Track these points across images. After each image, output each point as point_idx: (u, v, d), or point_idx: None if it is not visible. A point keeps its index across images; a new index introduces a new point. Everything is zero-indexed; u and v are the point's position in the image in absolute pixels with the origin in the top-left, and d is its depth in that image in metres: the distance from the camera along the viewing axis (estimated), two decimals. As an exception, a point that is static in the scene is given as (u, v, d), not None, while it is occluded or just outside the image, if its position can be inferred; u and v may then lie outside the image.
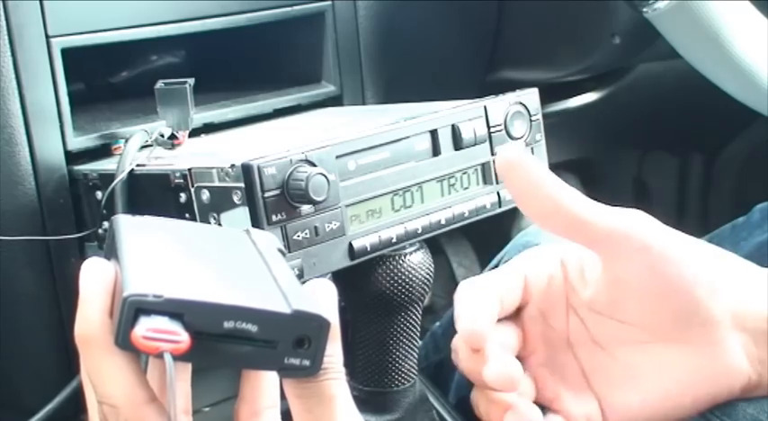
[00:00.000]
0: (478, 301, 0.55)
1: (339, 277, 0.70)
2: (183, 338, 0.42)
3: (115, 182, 0.70)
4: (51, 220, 0.76)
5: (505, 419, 0.54)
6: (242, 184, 0.62)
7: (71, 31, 0.77)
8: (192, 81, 0.73)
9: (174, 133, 0.74)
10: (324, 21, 0.91)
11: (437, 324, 0.97)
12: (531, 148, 0.75)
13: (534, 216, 0.55)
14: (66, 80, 0.76)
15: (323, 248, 0.64)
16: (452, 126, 0.71)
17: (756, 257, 0.59)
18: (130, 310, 0.42)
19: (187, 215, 0.66)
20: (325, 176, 0.63)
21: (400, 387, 0.75)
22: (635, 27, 1.00)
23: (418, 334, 0.75)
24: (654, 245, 0.53)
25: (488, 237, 1.23)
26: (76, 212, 0.77)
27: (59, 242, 0.77)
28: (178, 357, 0.42)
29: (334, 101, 0.93)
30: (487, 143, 0.73)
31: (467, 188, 0.72)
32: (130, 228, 0.51)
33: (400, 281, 0.71)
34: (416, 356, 0.76)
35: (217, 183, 0.64)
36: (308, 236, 0.63)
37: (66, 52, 0.76)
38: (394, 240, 0.68)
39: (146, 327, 0.41)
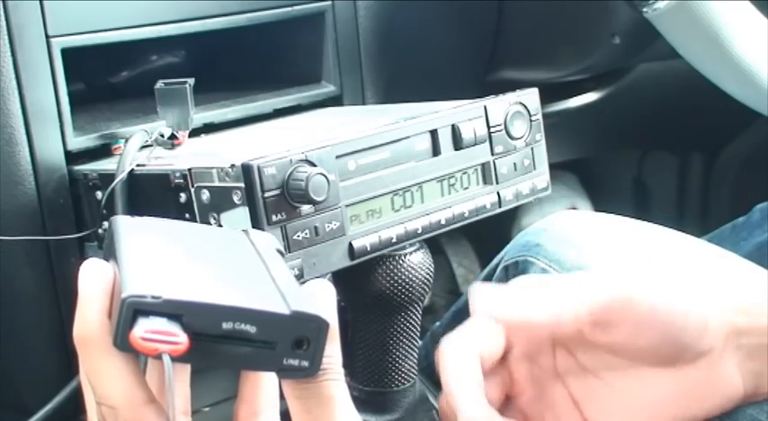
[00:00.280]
0: (462, 371, 0.53)
1: (339, 277, 0.70)
2: (181, 339, 0.42)
3: (115, 182, 0.70)
4: (51, 220, 0.76)
5: None
6: (242, 184, 0.62)
7: (71, 31, 0.77)
8: (191, 81, 0.73)
9: (174, 133, 0.74)
10: (324, 21, 0.91)
11: (437, 324, 0.97)
12: (531, 148, 0.75)
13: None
14: (66, 80, 0.76)
15: (323, 248, 0.64)
16: (452, 126, 0.71)
17: (756, 257, 0.59)
18: (129, 311, 0.42)
19: (187, 215, 0.66)
20: (325, 176, 0.63)
21: (400, 387, 0.75)
22: (635, 27, 1.00)
23: (418, 334, 0.75)
24: (642, 302, 0.52)
25: (488, 237, 1.23)
26: (76, 212, 0.77)
27: (59, 242, 0.77)
28: (177, 358, 0.42)
29: (334, 101, 0.93)
30: (487, 143, 0.73)
31: (467, 188, 0.72)
32: (129, 229, 0.51)
33: (400, 281, 0.71)
34: (416, 356, 0.76)
35: (217, 183, 0.64)
36: (308, 236, 0.63)
37: (66, 52, 0.76)
38: (394, 240, 0.68)
39: (144, 329, 0.41)
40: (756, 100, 0.88)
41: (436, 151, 0.71)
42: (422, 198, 0.70)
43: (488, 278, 0.89)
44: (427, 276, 0.72)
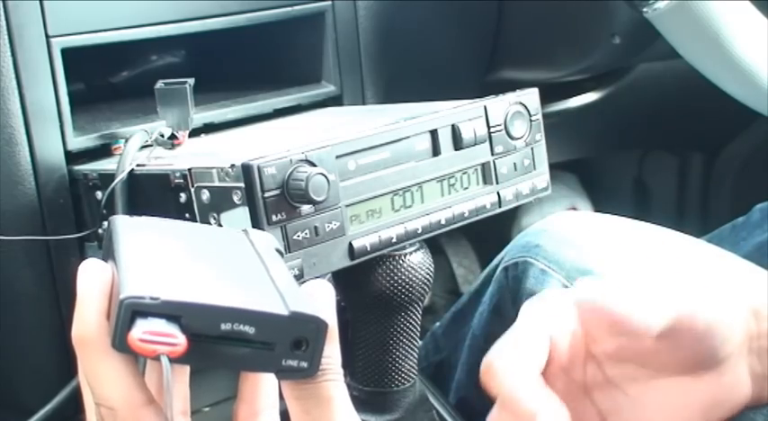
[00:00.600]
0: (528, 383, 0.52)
1: (339, 277, 0.70)
2: (179, 341, 0.41)
3: (115, 182, 0.70)
4: (51, 220, 0.76)
5: None
6: (242, 184, 0.62)
7: (71, 31, 0.77)
8: (191, 81, 0.73)
9: (174, 133, 0.74)
10: (324, 21, 0.91)
11: (437, 324, 0.97)
12: (531, 148, 0.75)
13: None
14: (66, 80, 0.76)
15: (323, 248, 0.64)
16: (452, 126, 0.71)
17: (756, 257, 0.59)
18: (127, 313, 0.42)
19: (187, 215, 0.66)
20: (326, 176, 0.63)
21: (400, 387, 0.75)
22: (635, 27, 1.00)
23: (418, 334, 0.75)
24: (702, 318, 0.51)
25: (488, 237, 1.23)
26: (76, 212, 0.77)
27: (59, 242, 0.77)
28: (175, 359, 0.42)
29: (334, 101, 0.93)
30: (487, 143, 0.73)
31: (467, 188, 0.72)
32: (128, 229, 0.51)
33: (400, 281, 0.71)
34: (416, 356, 0.76)
35: (217, 183, 0.64)
36: (308, 236, 0.63)
37: (66, 52, 0.76)
38: (394, 240, 0.68)
39: (142, 330, 0.41)
40: (756, 100, 0.88)
41: (436, 151, 0.71)
42: (422, 198, 0.70)
43: (488, 278, 0.90)
44: (427, 276, 0.72)
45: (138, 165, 0.71)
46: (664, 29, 0.89)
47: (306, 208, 0.63)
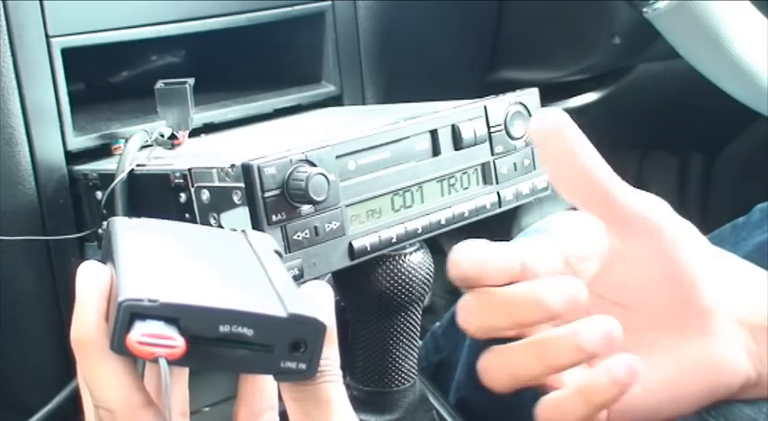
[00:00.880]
0: (501, 248, 0.53)
1: (339, 277, 0.70)
2: (178, 343, 0.41)
3: (115, 182, 0.70)
4: (51, 220, 0.76)
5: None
6: (242, 184, 0.62)
7: (71, 31, 0.77)
8: (191, 81, 0.73)
9: (174, 133, 0.74)
10: (324, 21, 0.91)
11: (437, 324, 0.97)
12: (532, 148, 0.75)
13: (564, 187, 0.54)
14: (66, 80, 0.76)
15: (323, 248, 0.64)
16: (452, 126, 0.71)
17: (756, 257, 0.59)
18: (126, 315, 0.42)
19: (187, 215, 0.66)
20: (325, 176, 0.63)
21: (400, 387, 0.75)
22: (635, 27, 1.00)
23: (418, 334, 0.75)
24: (666, 228, 0.54)
25: (488, 237, 1.23)
26: (76, 212, 0.77)
27: (59, 242, 0.77)
28: (173, 362, 0.42)
29: (334, 101, 0.93)
30: (487, 143, 0.73)
31: (467, 188, 0.72)
32: (126, 231, 0.51)
33: (400, 281, 0.71)
34: (416, 356, 0.76)
35: (217, 183, 0.64)
36: (308, 236, 0.63)
37: (66, 52, 0.76)
38: (394, 240, 0.68)
39: (141, 332, 0.41)
40: (756, 100, 0.88)
41: (436, 151, 0.71)
42: (422, 198, 0.70)
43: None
44: (427, 276, 0.72)
45: (138, 165, 0.71)
46: (664, 29, 0.89)
47: (306, 208, 0.63)
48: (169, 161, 0.71)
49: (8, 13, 0.74)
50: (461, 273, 0.53)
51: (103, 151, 0.79)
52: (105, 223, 0.73)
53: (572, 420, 0.52)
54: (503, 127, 0.74)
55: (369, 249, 0.67)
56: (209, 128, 0.84)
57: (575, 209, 0.58)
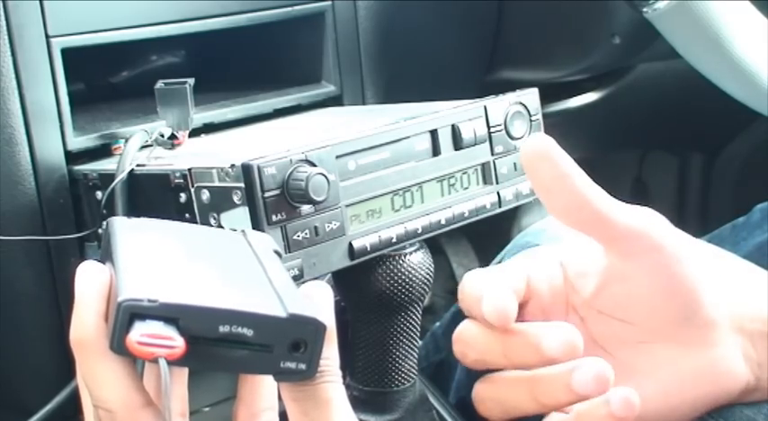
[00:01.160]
0: (500, 283, 0.53)
1: (339, 277, 0.70)
2: (177, 343, 0.41)
3: (115, 182, 0.70)
4: (51, 220, 0.76)
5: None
6: (242, 184, 0.62)
7: (71, 31, 0.77)
8: (191, 81, 0.73)
9: (174, 133, 0.74)
10: (324, 21, 0.91)
11: (437, 324, 0.97)
12: (531, 148, 0.75)
13: (557, 211, 0.54)
14: (66, 80, 0.76)
15: (323, 248, 0.64)
16: (452, 126, 0.71)
17: (756, 257, 0.59)
18: (125, 316, 0.42)
19: (187, 215, 0.66)
20: (325, 176, 0.63)
21: (400, 387, 0.75)
22: (635, 27, 1.00)
23: (418, 334, 0.75)
24: (666, 245, 0.53)
25: (488, 237, 1.23)
26: (76, 212, 0.77)
27: (59, 242, 0.77)
28: (173, 362, 0.42)
29: (334, 101, 0.93)
30: (487, 143, 0.73)
31: (467, 188, 0.72)
32: (126, 231, 0.51)
33: (400, 281, 0.71)
34: (416, 356, 0.76)
35: (217, 183, 0.64)
36: (308, 236, 0.63)
37: (66, 52, 0.76)
38: (394, 240, 0.68)
39: (140, 333, 0.41)
40: (756, 100, 0.88)
41: (436, 151, 0.71)
42: (422, 198, 0.70)
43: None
44: (427, 276, 0.72)
45: (138, 166, 0.71)
46: (664, 29, 0.89)
47: (306, 208, 0.63)
48: (169, 161, 0.71)
49: (8, 13, 0.74)
50: (463, 306, 0.54)
51: (103, 151, 0.79)
52: (105, 223, 0.73)
53: None
54: (503, 127, 0.74)
55: (369, 249, 0.67)
56: (209, 128, 0.84)
57: None
